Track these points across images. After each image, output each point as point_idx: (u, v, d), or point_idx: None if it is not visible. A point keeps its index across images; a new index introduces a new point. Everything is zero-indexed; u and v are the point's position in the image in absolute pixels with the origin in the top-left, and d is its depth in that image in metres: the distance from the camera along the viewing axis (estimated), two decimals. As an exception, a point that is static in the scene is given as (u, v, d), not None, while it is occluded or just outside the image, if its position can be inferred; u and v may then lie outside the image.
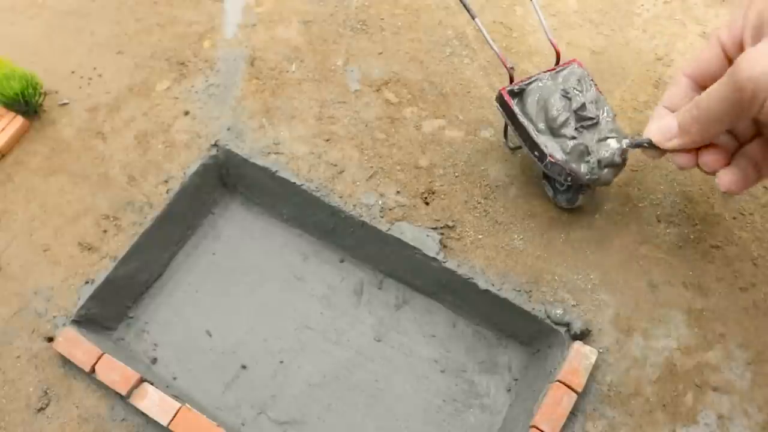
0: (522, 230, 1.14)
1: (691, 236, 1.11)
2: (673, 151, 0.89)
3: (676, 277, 1.08)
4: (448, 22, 1.42)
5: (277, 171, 1.20)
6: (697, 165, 0.89)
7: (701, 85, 0.89)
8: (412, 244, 1.12)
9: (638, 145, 0.96)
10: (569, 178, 1.04)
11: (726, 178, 0.85)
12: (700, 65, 0.90)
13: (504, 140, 1.21)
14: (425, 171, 1.21)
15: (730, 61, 0.88)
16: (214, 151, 1.24)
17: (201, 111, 1.30)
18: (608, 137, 1.02)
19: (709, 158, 0.87)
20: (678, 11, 1.44)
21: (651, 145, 0.91)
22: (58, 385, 1.04)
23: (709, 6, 1.45)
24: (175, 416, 0.97)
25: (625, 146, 0.99)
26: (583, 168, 1.02)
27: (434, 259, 1.10)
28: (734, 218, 1.14)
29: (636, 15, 1.43)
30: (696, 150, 0.88)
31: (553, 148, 1.03)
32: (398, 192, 1.18)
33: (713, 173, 0.87)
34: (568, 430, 0.96)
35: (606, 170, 1.03)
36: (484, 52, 1.36)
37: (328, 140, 1.25)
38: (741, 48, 0.85)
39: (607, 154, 1.02)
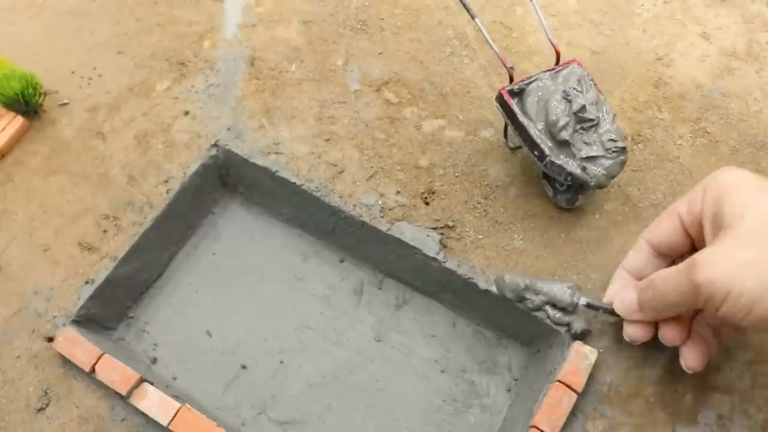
0: (522, 230, 1.14)
1: (691, 236, 1.11)
2: (632, 321, 0.92)
3: (676, 277, 1.08)
4: (448, 22, 1.42)
5: (277, 171, 1.20)
6: (657, 337, 0.92)
7: (661, 252, 0.94)
8: (412, 244, 1.12)
9: (595, 308, 1.01)
10: (569, 178, 1.04)
11: (691, 357, 0.90)
12: (659, 235, 0.94)
13: (504, 140, 1.21)
14: (425, 171, 1.21)
15: (688, 235, 0.90)
16: (214, 151, 1.24)
17: (201, 111, 1.30)
18: (596, 159, 1.02)
19: (668, 333, 0.91)
20: (678, 11, 1.44)
21: (611, 312, 0.96)
22: (58, 385, 1.04)
23: (709, 6, 1.45)
24: (175, 416, 0.98)
25: (582, 305, 0.99)
26: (581, 171, 1.03)
27: (434, 259, 1.10)
28: (734, 218, 1.14)
29: (636, 15, 1.43)
30: (654, 324, 0.91)
31: (554, 153, 1.03)
32: (398, 192, 1.18)
33: (673, 346, 0.91)
34: (568, 430, 0.96)
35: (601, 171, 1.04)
36: (484, 52, 1.36)
37: (328, 140, 1.25)
38: (699, 226, 0.86)
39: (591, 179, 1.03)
